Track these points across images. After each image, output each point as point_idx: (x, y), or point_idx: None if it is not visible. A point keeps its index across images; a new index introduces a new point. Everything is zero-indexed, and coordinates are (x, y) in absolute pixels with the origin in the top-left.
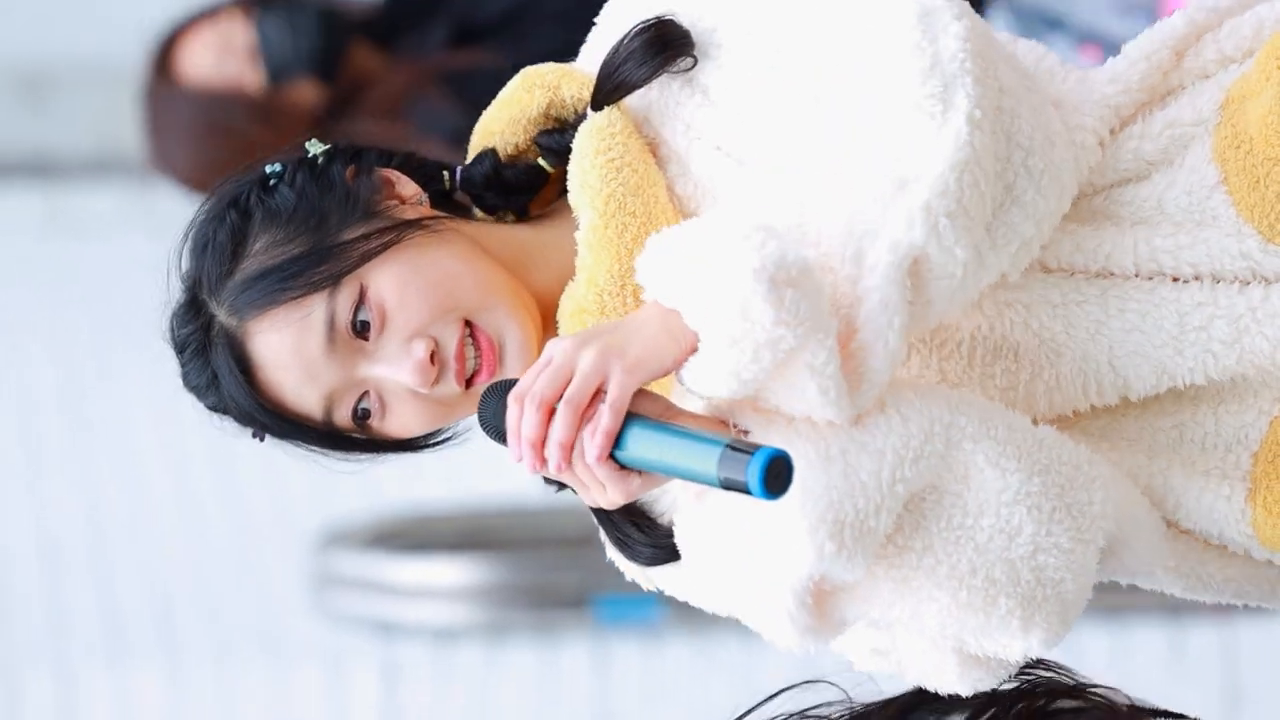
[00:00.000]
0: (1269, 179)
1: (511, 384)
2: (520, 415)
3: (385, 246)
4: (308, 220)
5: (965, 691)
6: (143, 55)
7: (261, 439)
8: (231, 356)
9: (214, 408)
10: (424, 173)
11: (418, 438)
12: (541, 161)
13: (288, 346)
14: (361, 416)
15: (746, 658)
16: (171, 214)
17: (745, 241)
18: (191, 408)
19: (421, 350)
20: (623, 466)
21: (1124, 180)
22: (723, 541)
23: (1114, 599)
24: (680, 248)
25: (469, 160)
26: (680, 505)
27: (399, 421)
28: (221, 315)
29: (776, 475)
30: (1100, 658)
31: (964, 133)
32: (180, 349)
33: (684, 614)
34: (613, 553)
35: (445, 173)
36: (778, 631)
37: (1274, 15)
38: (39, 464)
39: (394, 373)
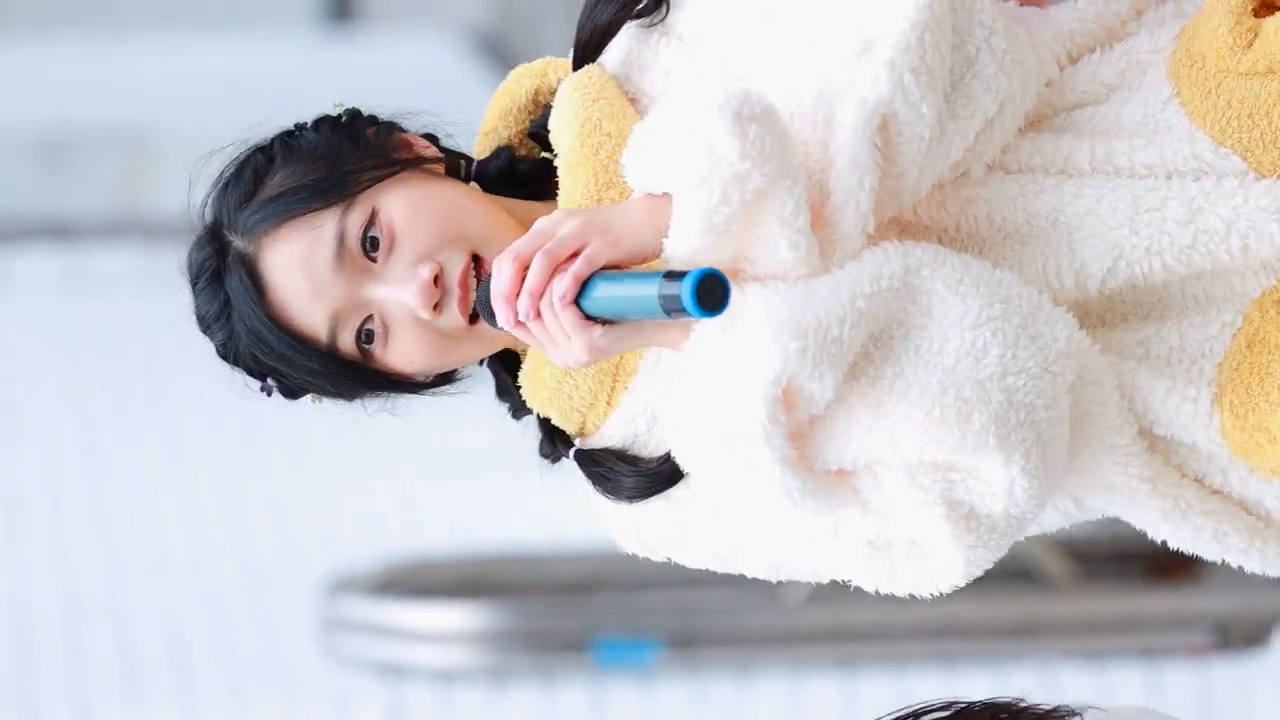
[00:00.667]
0: (1220, 89)
1: None
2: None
3: (398, 170)
4: (325, 155)
5: (961, 568)
6: (158, 122)
7: (269, 394)
8: (246, 276)
9: (223, 347)
10: (446, 155)
11: (419, 380)
12: (547, 155)
13: (298, 259)
14: (365, 339)
15: (739, 699)
16: (184, 273)
17: (714, 83)
18: (204, 461)
19: (426, 273)
20: (589, 319)
21: (1082, 103)
22: (699, 383)
23: (1094, 643)
24: (656, 120)
25: (483, 157)
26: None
27: (401, 350)
28: (237, 240)
29: (710, 291)
30: (1080, 699)
31: None
32: (195, 278)
33: (679, 658)
34: (599, 503)
35: (462, 161)
36: (758, 469)
37: None
38: (59, 512)
39: (398, 293)
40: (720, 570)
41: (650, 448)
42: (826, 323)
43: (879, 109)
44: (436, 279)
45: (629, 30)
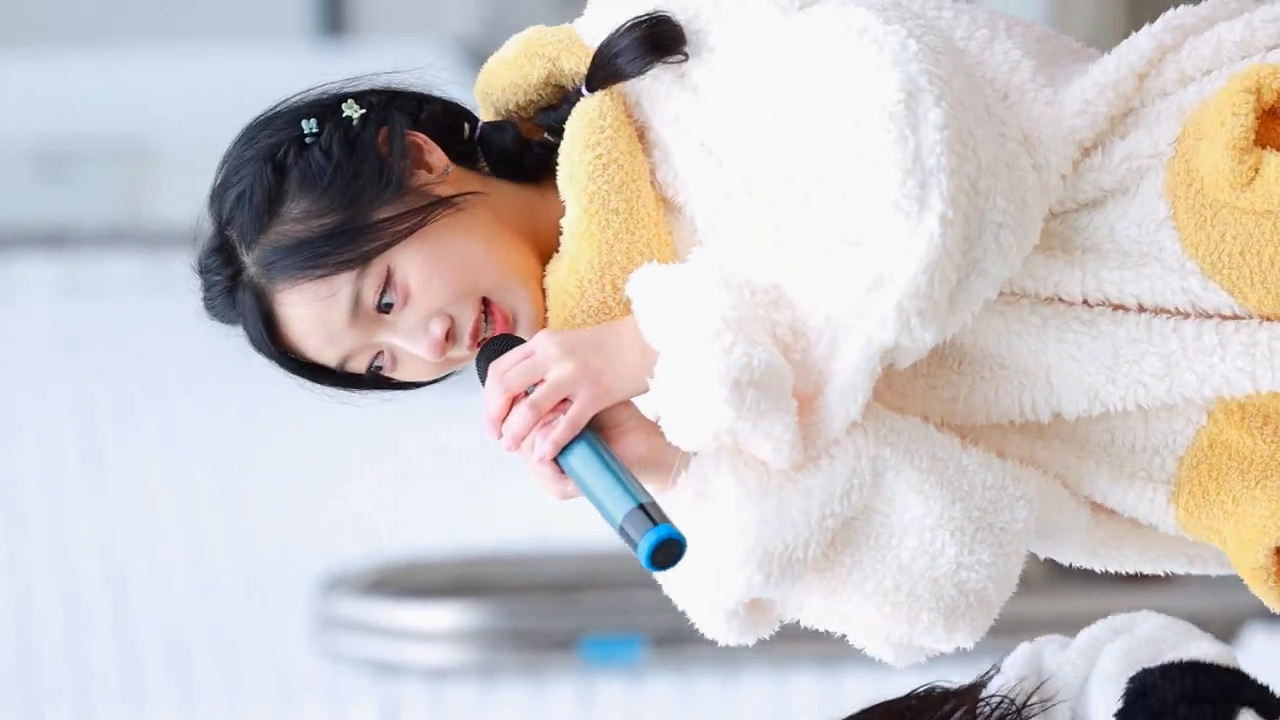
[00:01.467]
0: (1215, 220)
1: (511, 341)
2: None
3: (413, 229)
4: (343, 194)
5: (901, 666)
6: (155, 132)
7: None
8: (257, 308)
9: (228, 322)
10: (448, 119)
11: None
12: (549, 137)
13: (313, 317)
14: (374, 370)
15: (724, 695)
16: (182, 279)
17: (715, 341)
18: (202, 462)
19: (439, 329)
20: (564, 473)
21: (1081, 207)
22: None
23: None
24: (667, 297)
25: (487, 119)
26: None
27: (409, 372)
28: (251, 269)
29: (667, 553)
30: None
31: (936, 235)
32: (207, 285)
33: (665, 655)
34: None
35: (466, 124)
36: (716, 636)
37: (1232, 37)
38: (59, 513)
39: (410, 346)
40: None
41: None
42: (792, 546)
43: (884, 348)
44: (448, 334)
45: (655, 73)
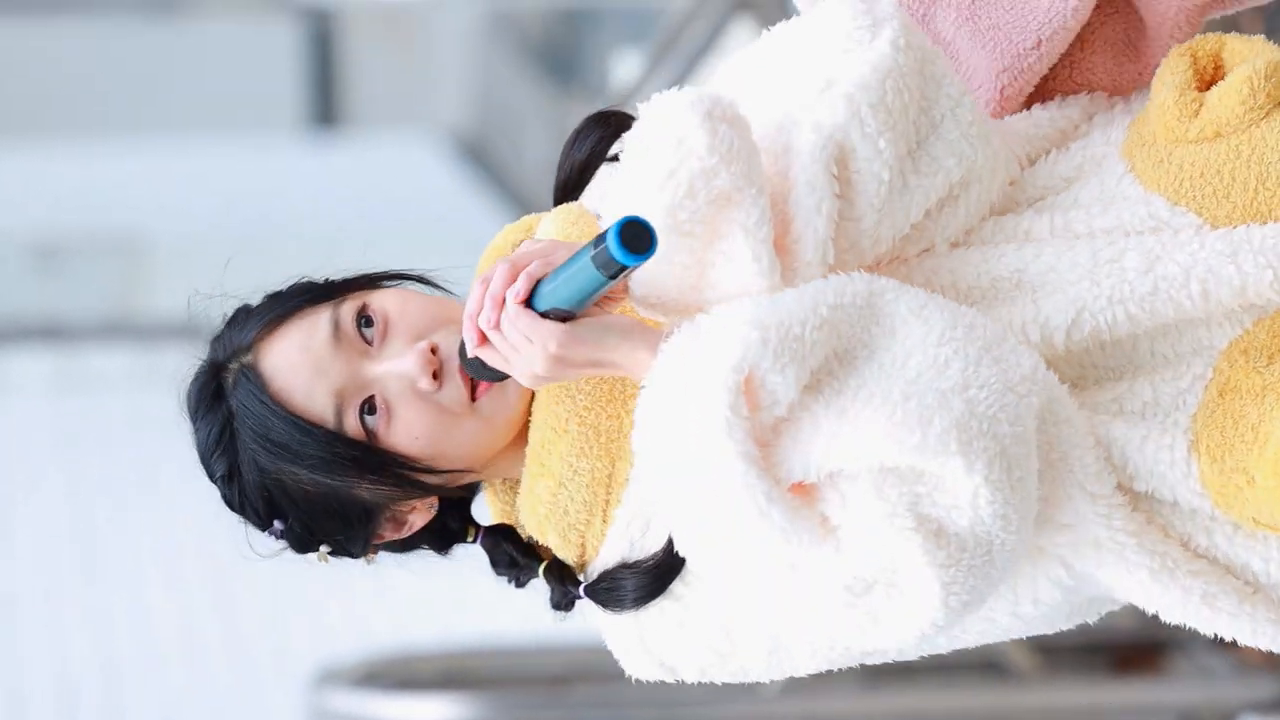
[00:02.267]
0: (1171, 158)
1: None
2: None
3: (384, 279)
4: (312, 287)
5: (938, 594)
6: (148, 226)
7: (277, 537)
8: (250, 376)
9: (227, 484)
10: None
11: (432, 482)
12: None
13: (296, 344)
14: (368, 411)
15: None
16: (174, 373)
17: (685, 88)
18: (196, 557)
19: (424, 345)
20: (545, 317)
21: (1043, 196)
22: (665, 397)
23: None
24: (628, 141)
25: None
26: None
27: (404, 426)
28: (235, 362)
29: (635, 236)
30: None
31: (887, 49)
32: (195, 406)
33: None
34: (605, 625)
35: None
36: (723, 471)
37: None
38: (55, 608)
39: (396, 366)
40: (721, 674)
41: (647, 552)
42: (788, 321)
43: (834, 134)
44: (434, 350)
45: (605, 171)
